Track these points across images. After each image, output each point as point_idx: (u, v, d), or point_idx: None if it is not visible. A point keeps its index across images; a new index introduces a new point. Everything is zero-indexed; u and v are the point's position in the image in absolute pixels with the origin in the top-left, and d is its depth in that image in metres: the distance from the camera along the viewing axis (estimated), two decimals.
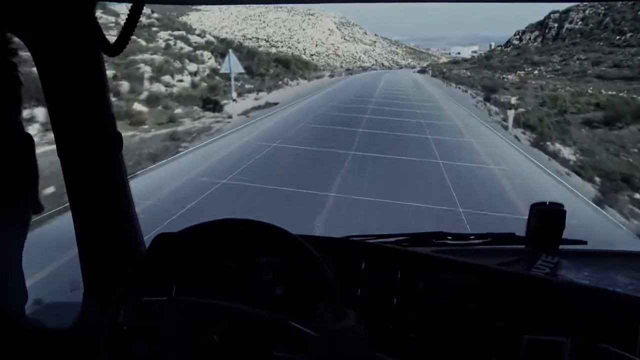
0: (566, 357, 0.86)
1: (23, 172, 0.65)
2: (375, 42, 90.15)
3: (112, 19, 20.81)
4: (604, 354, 0.85)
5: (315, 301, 0.75)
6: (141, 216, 1.10)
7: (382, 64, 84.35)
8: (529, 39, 54.05)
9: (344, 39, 79.40)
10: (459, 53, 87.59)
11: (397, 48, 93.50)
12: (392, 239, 1.21)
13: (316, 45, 74.78)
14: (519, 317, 0.92)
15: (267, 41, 69.26)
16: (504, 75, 46.06)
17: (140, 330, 0.72)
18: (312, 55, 72.16)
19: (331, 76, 53.09)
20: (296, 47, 72.05)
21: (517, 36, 56.37)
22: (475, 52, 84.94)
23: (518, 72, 45.09)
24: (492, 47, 75.77)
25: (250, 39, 67.90)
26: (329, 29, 76.72)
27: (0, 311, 0.64)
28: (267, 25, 72.73)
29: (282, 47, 69.52)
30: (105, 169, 0.98)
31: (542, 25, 52.65)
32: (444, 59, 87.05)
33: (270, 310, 0.72)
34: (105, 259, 1.03)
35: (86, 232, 1.01)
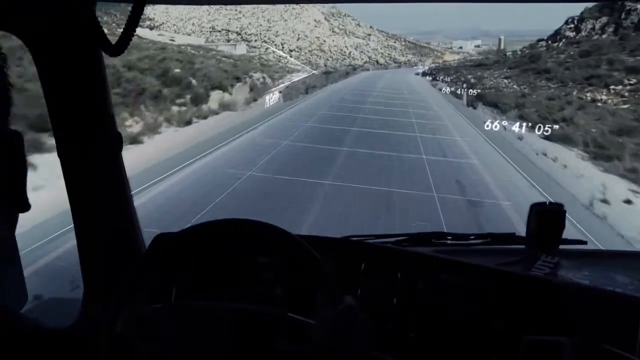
0: (566, 357, 0.86)
1: (12, 169, 0.65)
2: (369, 35, 72.45)
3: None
4: (604, 354, 0.85)
5: (314, 293, 0.76)
6: None
7: (377, 62, 66.33)
8: (593, 28, 33.04)
9: (333, 31, 63.86)
10: (460, 47, 74.13)
11: (395, 42, 75.57)
12: (392, 239, 1.21)
13: (298, 39, 58.18)
14: (519, 317, 0.93)
15: (238, 34, 53.55)
16: (588, 93, 24.52)
17: (140, 335, 0.72)
18: (291, 50, 54.79)
19: (288, 94, 23.79)
20: (273, 41, 54.92)
21: (571, 25, 35.23)
22: (478, 46, 70.97)
23: (611, 86, 24.07)
24: (502, 41, 59.96)
25: (220, 31, 52.74)
26: (315, 20, 62.41)
27: (0, 311, 0.65)
28: (243, 15, 59.66)
29: (255, 41, 53.04)
30: (105, 169, 0.99)
31: (612, 9, 32.27)
32: (448, 55, 70.22)
33: (270, 306, 0.73)
34: (105, 259, 1.03)
35: (86, 232, 1.01)
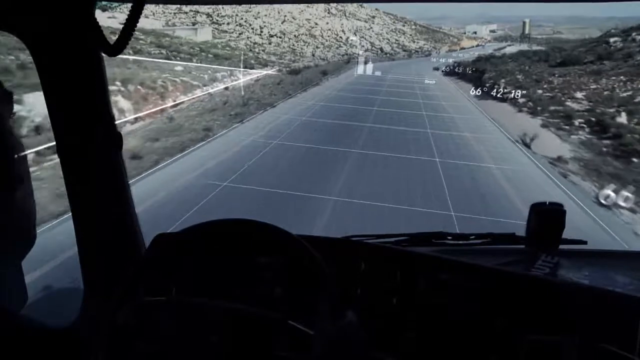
0: (566, 357, 0.86)
1: (18, 175, 0.66)
2: (374, 17, 62.53)
3: None
4: (604, 354, 0.85)
5: (314, 301, 0.76)
6: None
7: (381, 49, 55.38)
8: None
9: (329, 12, 56.61)
10: (475, 32, 71.23)
11: (403, 26, 64.35)
12: (392, 239, 1.21)
13: (283, 22, 50.36)
14: (519, 317, 0.93)
15: (209, 16, 47.90)
16: None
17: (140, 331, 0.72)
18: (271, 36, 47.17)
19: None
20: (250, 25, 47.51)
21: None
22: (493, 31, 68.27)
23: None
24: (527, 25, 56.31)
25: (186, 12, 47.65)
26: None
27: (0, 311, 0.65)
28: None
29: (228, 24, 46.66)
30: (105, 169, 0.99)
31: None
32: (466, 41, 64.56)
33: (270, 310, 0.73)
34: (105, 259, 1.03)
35: (86, 232, 1.01)
